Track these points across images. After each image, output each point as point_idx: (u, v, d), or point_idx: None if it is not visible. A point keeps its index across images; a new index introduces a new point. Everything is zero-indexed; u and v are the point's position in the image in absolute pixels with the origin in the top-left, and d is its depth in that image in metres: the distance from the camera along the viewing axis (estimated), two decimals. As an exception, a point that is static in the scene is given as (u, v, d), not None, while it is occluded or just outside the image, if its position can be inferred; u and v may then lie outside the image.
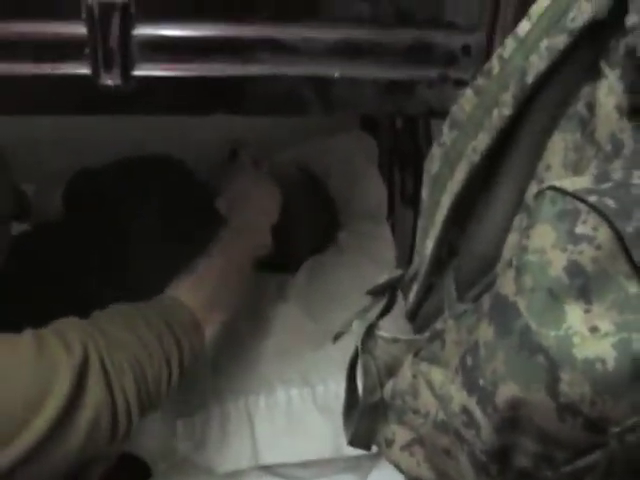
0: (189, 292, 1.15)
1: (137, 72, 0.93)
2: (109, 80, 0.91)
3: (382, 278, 0.92)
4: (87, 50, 0.88)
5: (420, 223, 0.86)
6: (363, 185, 1.72)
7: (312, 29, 0.91)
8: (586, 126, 0.73)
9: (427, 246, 0.86)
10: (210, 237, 1.23)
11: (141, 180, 1.49)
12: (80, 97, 0.92)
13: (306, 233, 1.64)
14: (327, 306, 1.49)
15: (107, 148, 1.48)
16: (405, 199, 1.62)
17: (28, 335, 0.94)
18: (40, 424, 0.88)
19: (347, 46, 0.92)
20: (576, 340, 0.61)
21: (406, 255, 1.40)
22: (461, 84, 0.93)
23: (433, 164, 0.85)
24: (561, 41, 0.71)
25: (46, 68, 0.88)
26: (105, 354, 0.96)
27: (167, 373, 1.04)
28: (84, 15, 0.87)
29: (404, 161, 1.66)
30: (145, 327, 1.04)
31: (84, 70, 0.89)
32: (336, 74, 0.92)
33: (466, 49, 0.94)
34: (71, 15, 0.87)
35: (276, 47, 0.92)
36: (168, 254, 1.23)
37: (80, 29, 0.87)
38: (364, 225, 1.69)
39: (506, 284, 0.65)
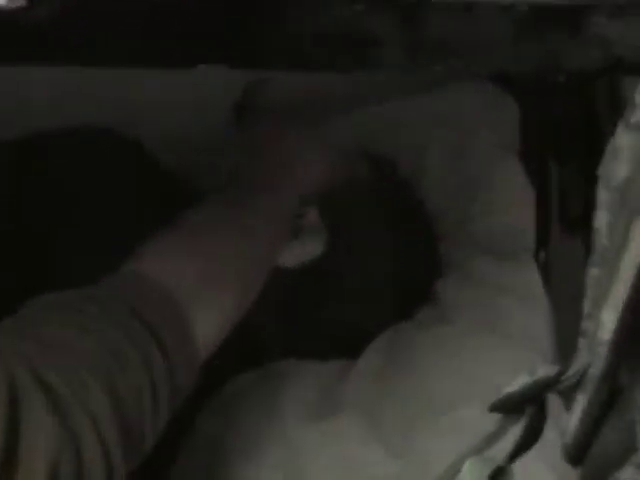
0: (167, 265, 0.86)
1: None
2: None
3: (519, 380, 0.65)
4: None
5: (592, 272, 0.65)
6: (491, 189, 1.19)
7: None
8: None
9: (604, 318, 0.64)
10: None
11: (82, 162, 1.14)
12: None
13: (379, 282, 1.16)
14: (413, 425, 1.05)
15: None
16: (569, 220, 1.21)
17: None
18: None
19: None
20: None
21: (571, 326, 0.99)
22: None
23: (618, 165, 0.65)
24: None
25: None
26: (42, 368, 0.73)
27: (150, 393, 0.78)
28: None
29: (568, 150, 1.21)
30: (102, 320, 0.79)
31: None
32: None
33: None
34: None
35: None
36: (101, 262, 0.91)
37: None
38: (490, 266, 1.14)
39: None
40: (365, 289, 1.10)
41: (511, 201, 1.14)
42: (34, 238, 1.08)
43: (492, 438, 0.68)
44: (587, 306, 0.64)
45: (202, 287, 0.87)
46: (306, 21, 0.62)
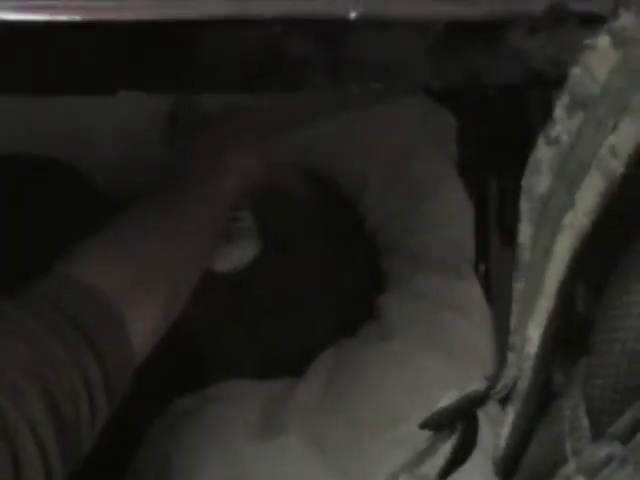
0: (97, 267, 0.84)
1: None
2: None
3: (450, 396, 0.64)
4: None
5: (517, 286, 0.64)
6: (431, 203, 1.18)
7: None
8: None
9: (530, 332, 0.62)
10: None
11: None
12: None
13: (321, 299, 1.12)
14: (353, 443, 1.02)
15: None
16: (507, 232, 1.19)
17: None
18: None
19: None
20: None
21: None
22: (590, 24, 0.62)
23: (539, 178, 0.63)
24: None
25: None
26: None
27: (86, 396, 0.77)
28: None
29: (505, 163, 1.18)
30: (34, 326, 0.77)
31: None
32: (352, 12, 0.61)
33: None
34: None
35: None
36: None
37: None
38: (431, 280, 1.12)
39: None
40: (307, 305, 1.07)
41: (451, 214, 1.13)
42: None
43: (424, 455, 0.66)
44: (514, 321, 0.63)
45: (131, 290, 0.84)
46: (224, 44, 0.61)
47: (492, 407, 0.68)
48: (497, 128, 1.16)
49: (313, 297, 1.07)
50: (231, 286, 1.04)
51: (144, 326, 0.84)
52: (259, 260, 1.04)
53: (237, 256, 1.04)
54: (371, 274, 1.12)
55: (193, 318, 1.03)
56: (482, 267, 1.16)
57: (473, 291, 1.08)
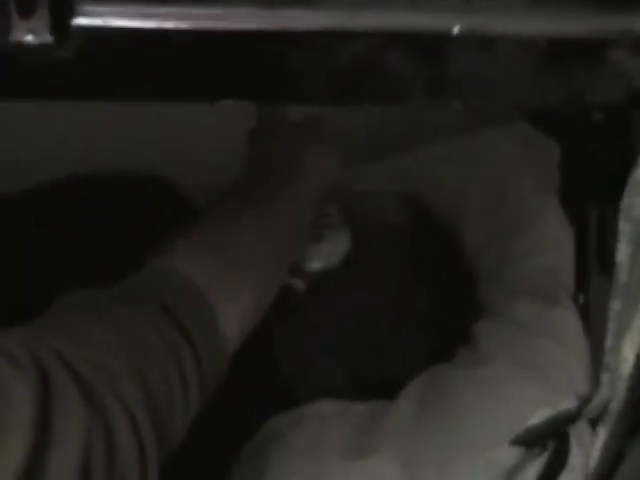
0: (189, 260, 0.84)
1: (80, 21, 0.60)
2: (29, 35, 0.59)
3: (541, 413, 0.66)
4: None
5: (613, 306, 0.62)
6: (530, 232, 1.15)
7: None
8: None
9: (625, 352, 0.62)
10: None
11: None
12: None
13: (416, 325, 1.09)
14: (448, 466, 1.00)
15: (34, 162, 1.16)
16: (607, 262, 1.12)
17: None
18: None
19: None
20: None
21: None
22: None
23: (638, 198, 0.63)
24: None
25: None
26: (71, 358, 0.70)
27: (180, 386, 0.76)
28: None
29: (606, 191, 1.10)
30: (130, 315, 0.77)
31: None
32: (454, 28, 0.59)
33: None
34: None
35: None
36: None
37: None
38: (528, 308, 1.10)
39: None
40: (402, 330, 1.06)
41: (550, 243, 1.10)
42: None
43: (514, 471, 0.66)
44: (609, 340, 0.62)
45: (222, 281, 0.85)
46: (320, 55, 0.61)
47: (583, 428, 0.66)
48: (600, 155, 1.12)
49: (408, 322, 1.05)
50: (325, 308, 1.03)
51: (235, 318, 0.85)
52: (355, 285, 1.03)
53: (328, 252, 1.02)
54: (468, 301, 1.10)
55: (285, 336, 1.03)
56: (581, 297, 1.11)
57: (570, 320, 1.04)
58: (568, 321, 1.05)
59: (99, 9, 0.59)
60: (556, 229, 1.11)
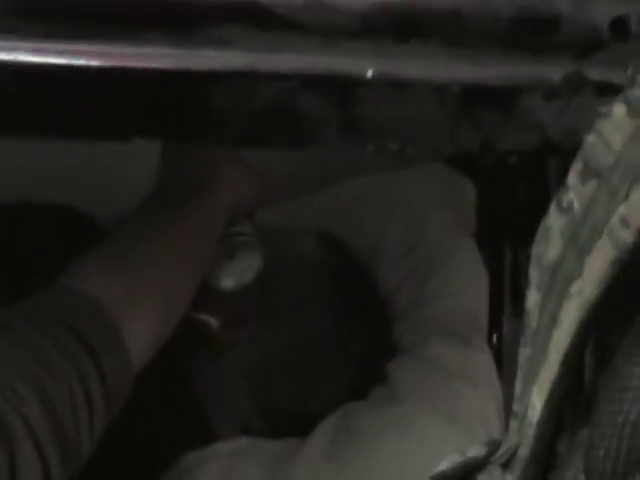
0: (94, 278, 0.85)
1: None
2: None
3: (450, 459, 0.62)
4: None
5: (522, 352, 0.62)
6: (445, 271, 1.17)
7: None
8: None
9: (534, 399, 0.60)
10: None
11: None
12: None
13: (330, 362, 1.10)
14: None
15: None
16: (520, 302, 1.14)
17: None
18: None
19: (385, 20, 0.58)
20: None
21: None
22: (607, 93, 0.62)
23: (549, 245, 0.62)
24: None
25: None
26: None
27: (84, 399, 0.78)
28: None
29: (521, 231, 1.16)
30: (28, 331, 0.79)
31: None
32: (369, 71, 0.60)
33: (617, 25, 0.61)
34: None
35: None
36: None
37: None
38: (441, 348, 1.11)
39: None
40: (316, 368, 1.06)
41: (464, 284, 1.12)
42: None
43: None
44: (518, 386, 0.62)
45: (128, 298, 0.85)
46: (237, 97, 0.61)
47: (495, 470, 0.66)
48: (515, 198, 1.14)
49: (322, 360, 1.05)
50: (241, 345, 1.02)
51: (142, 332, 0.85)
52: (269, 321, 1.03)
53: (241, 271, 1.02)
54: (382, 339, 1.10)
55: (201, 373, 1.03)
56: (494, 337, 1.13)
57: (482, 360, 1.06)
58: (480, 361, 1.07)
59: (9, 44, 0.59)
60: (471, 270, 1.12)
